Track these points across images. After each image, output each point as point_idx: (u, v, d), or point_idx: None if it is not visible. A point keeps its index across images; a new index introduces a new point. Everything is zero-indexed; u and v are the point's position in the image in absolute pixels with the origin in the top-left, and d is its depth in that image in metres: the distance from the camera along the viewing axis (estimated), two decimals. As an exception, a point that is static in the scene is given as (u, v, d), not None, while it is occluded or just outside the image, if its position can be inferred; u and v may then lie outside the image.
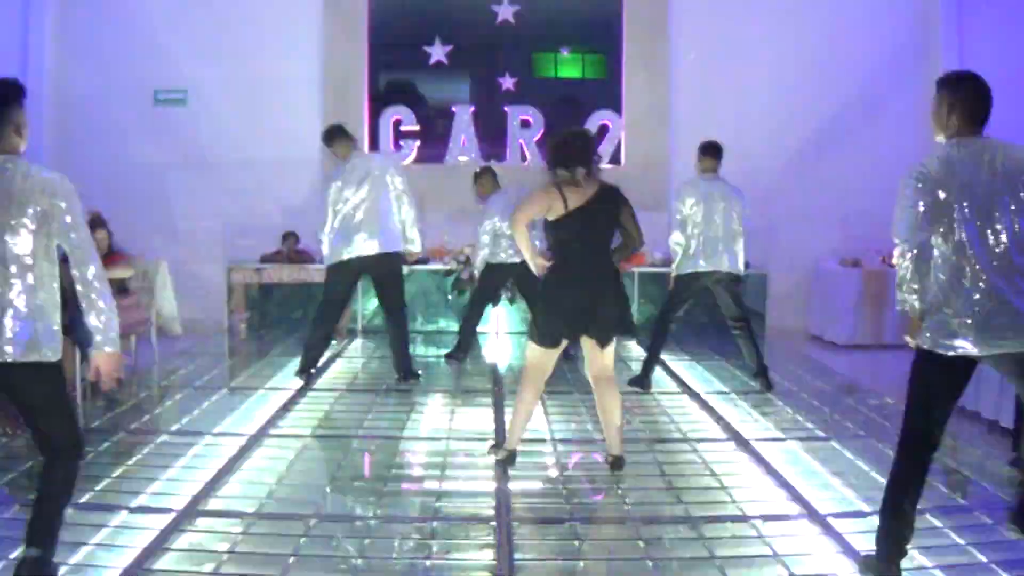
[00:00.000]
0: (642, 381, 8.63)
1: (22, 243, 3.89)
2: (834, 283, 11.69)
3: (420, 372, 8.99)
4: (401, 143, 12.40)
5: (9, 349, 3.90)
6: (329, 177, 8.83)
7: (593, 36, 12.70)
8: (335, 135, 8.72)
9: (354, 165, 8.52)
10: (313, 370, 8.73)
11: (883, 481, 5.52)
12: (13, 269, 3.89)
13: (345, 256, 8.39)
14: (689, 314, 9.32)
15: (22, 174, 3.93)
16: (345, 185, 8.44)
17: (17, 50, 10.98)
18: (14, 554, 4.50)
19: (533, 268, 6.03)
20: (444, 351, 10.29)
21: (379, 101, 12.48)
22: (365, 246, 8.37)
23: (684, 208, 8.40)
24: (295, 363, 9.35)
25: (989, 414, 7.32)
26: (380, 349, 10.52)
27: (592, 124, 12.44)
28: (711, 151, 8.63)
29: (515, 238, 6.12)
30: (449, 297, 11.72)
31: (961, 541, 4.90)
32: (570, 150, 5.92)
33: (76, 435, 4.19)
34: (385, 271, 8.59)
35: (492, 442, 6.53)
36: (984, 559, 4.61)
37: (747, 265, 8.81)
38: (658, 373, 8.87)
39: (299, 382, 8.60)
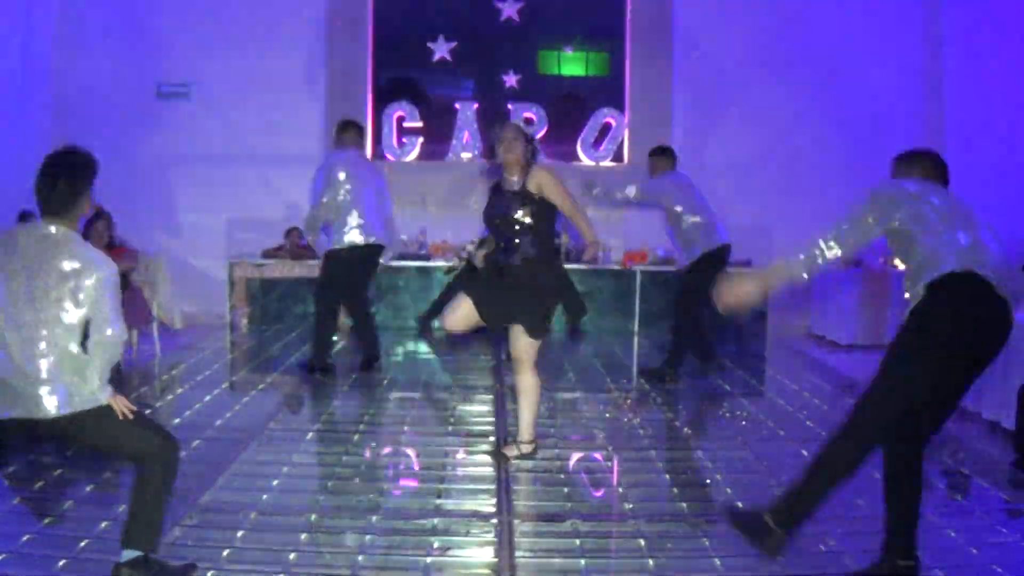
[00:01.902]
0: (665, 373, 8.67)
1: (60, 311, 3.95)
2: (835, 283, 11.68)
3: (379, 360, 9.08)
4: (404, 139, 12.40)
5: (51, 408, 3.95)
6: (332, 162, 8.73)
7: (597, 34, 12.69)
8: (355, 129, 8.88)
9: (358, 160, 8.66)
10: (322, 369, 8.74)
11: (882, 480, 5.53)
12: (45, 333, 3.94)
13: (348, 242, 8.42)
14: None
15: (69, 249, 4.00)
16: (354, 176, 8.52)
17: (19, 42, 10.95)
18: (15, 545, 4.51)
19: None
20: (444, 350, 10.36)
21: (382, 97, 12.48)
22: (367, 236, 8.42)
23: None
24: (296, 358, 9.39)
25: (990, 415, 7.33)
26: (384, 345, 10.53)
27: (595, 122, 12.45)
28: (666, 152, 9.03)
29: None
30: (452, 294, 11.73)
31: (961, 541, 4.90)
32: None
33: (156, 444, 4.19)
34: (371, 259, 8.69)
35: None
36: (984, 559, 4.61)
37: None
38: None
39: (303, 377, 8.62)
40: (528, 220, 5.97)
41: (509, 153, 6.02)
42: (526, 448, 6.33)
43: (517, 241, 5.97)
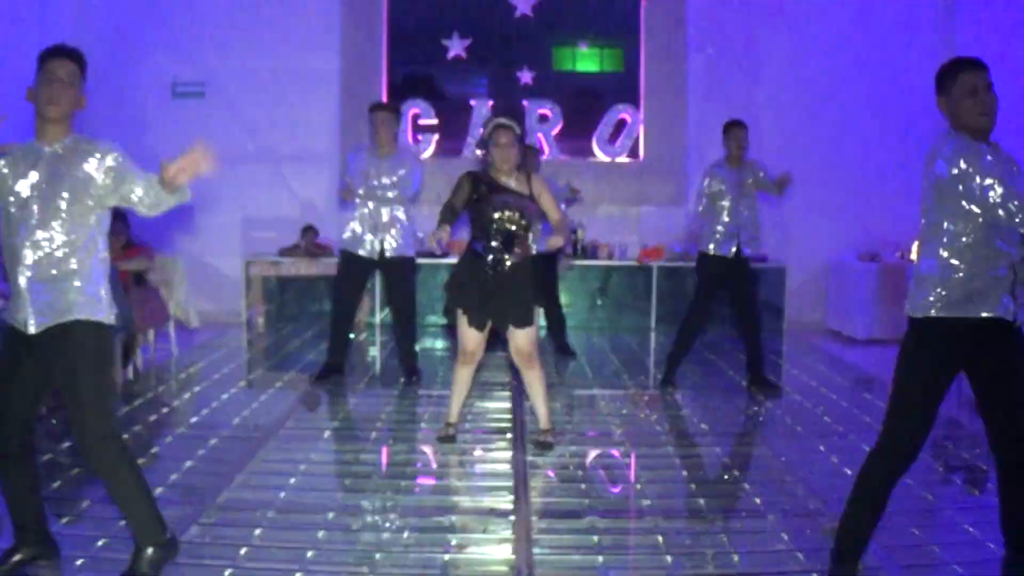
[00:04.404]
0: (765, 380, 8.43)
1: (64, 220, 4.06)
2: (852, 277, 11.65)
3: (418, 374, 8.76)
4: (419, 137, 12.40)
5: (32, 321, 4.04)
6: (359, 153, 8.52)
7: (611, 30, 12.67)
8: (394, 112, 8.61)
9: (390, 156, 8.33)
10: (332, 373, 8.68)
11: (903, 477, 5.52)
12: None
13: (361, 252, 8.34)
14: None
15: (73, 149, 4.19)
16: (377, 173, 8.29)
17: (35, 43, 10.96)
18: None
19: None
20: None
21: (397, 95, 12.47)
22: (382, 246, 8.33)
23: None
24: (312, 357, 9.41)
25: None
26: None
27: (610, 118, 12.44)
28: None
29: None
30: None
31: (979, 536, 4.89)
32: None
33: (114, 423, 4.23)
34: (397, 271, 8.50)
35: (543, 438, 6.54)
36: (996, 552, 4.58)
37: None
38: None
39: (314, 376, 8.62)
40: (525, 222, 6.22)
41: (505, 163, 6.19)
42: (550, 437, 6.48)
43: (514, 240, 6.17)
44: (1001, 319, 3.97)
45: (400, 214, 8.26)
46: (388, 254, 8.25)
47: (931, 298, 4.02)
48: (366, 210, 8.25)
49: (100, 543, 4.62)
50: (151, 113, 12.10)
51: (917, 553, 4.71)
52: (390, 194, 8.20)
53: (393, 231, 8.23)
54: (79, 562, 4.39)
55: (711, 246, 8.18)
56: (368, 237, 8.23)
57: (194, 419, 7.17)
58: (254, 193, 12.21)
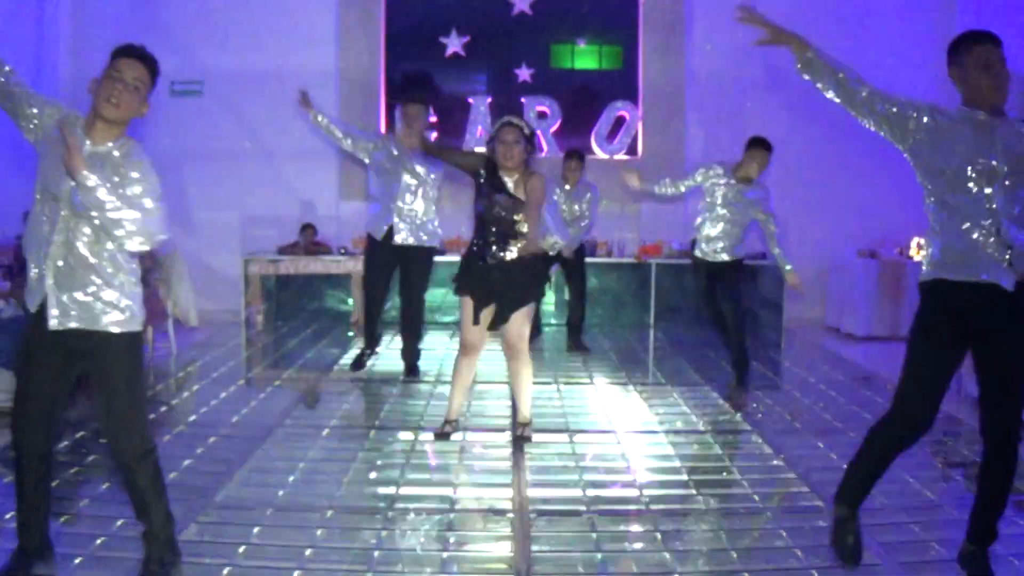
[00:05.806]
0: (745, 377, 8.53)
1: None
2: (851, 274, 11.66)
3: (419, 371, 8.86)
4: (417, 134, 12.39)
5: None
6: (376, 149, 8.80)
7: (610, 27, 12.68)
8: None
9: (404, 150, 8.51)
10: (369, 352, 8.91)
11: (902, 474, 5.54)
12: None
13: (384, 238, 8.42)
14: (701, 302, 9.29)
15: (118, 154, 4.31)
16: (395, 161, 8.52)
17: (33, 41, 10.98)
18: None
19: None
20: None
21: (395, 92, 12.47)
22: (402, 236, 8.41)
23: None
24: (311, 354, 9.40)
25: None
26: (397, 340, 10.51)
27: (609, 115, 12.44)
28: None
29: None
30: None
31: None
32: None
33: (150, 439, 4.20)
34: (415, 260, 8.55)
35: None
36: (1001, 551, 4.58)
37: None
38: (676, 364, 8.81)
39: (315, 373, 8.62)
40: (516, 222, 6.25)
41: (508, 160, 6.16)
42: (528, 431, 6.56)
43: (513, 239, 6.24)
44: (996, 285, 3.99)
45: (422, 204, 8.47)
46: (409, 242, 8.38)
47: None
48: (390, 197, 8.41)
49: (99, 542, 4.61)
50: (149, 111, 12.05)
51: (916, 550, 4.71)
52: (412, 185, 8.46)
53: (417, 220, 8.43)
54: (77, 560, 4.38)
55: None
56: (394, 221, 8.39)
57: (193, 417, 7.16)
58: (252, 191, 12.22)
